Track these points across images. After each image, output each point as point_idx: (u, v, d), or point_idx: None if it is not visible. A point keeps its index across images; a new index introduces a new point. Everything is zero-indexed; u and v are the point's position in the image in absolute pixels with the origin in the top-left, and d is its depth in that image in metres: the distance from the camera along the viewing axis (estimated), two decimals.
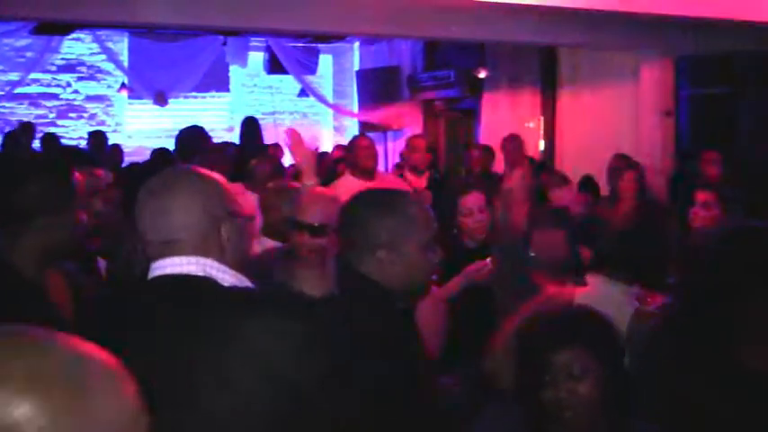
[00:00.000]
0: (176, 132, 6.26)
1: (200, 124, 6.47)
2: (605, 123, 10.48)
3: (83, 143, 13.04)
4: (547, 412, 2.41)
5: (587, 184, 8.48)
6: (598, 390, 2.39)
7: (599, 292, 3.60)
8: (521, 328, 2.73)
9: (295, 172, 6.05)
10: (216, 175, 2.28)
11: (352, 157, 7.23)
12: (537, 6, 6.71)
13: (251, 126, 11.68)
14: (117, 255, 4.13)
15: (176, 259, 2.14)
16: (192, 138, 6.02)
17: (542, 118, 11.71)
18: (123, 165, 11.18)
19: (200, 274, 2.13)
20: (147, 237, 2.18)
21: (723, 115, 8.49)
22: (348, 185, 6.14)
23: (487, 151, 9.83)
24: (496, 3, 6.52)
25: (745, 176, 7.36)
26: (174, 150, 6.46)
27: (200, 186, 2.20)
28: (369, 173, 7.02)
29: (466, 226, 5.00)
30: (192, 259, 2.14)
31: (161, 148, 9.05)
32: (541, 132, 11.70)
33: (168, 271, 2.14)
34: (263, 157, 7.98)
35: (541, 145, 11.68)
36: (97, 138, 11.80)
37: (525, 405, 2.49)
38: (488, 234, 5.00)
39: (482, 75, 12.31)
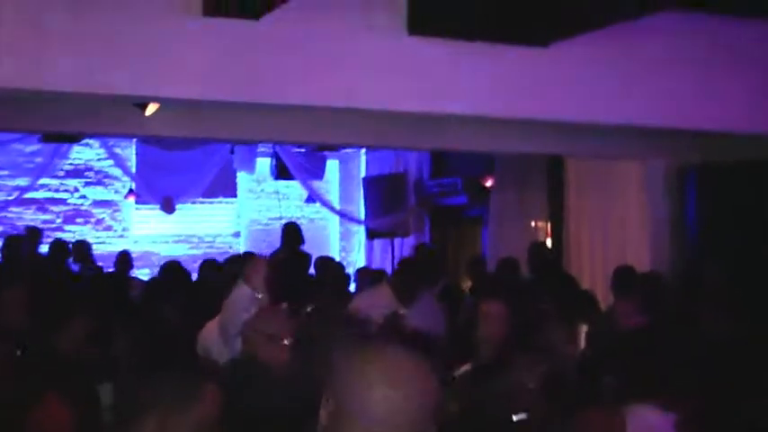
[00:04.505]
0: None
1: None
2: (613, 229, 10.48)
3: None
4: None
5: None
6: None
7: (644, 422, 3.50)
8: None
9: None
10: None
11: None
12: (543, 120, 6.74)
13: (292, 231, 11.50)
14: None
15: None
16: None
17: (550, 224, 11.70)
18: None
19: None
20: None
21: (725, 222, 8.51)
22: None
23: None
24: (504, 117, 6.55)
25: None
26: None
27: None
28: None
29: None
30: None
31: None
32: (550, 239, 11.69)
33: None
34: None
35: None
36: (81, 248, 11.76)
37: None
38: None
39: (488, 183, 12.33)
